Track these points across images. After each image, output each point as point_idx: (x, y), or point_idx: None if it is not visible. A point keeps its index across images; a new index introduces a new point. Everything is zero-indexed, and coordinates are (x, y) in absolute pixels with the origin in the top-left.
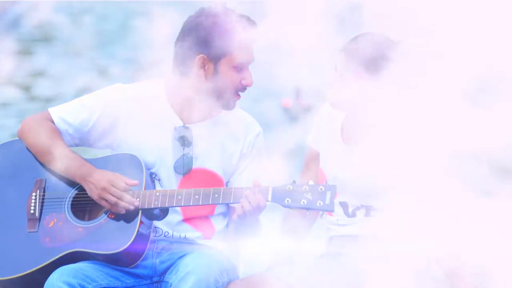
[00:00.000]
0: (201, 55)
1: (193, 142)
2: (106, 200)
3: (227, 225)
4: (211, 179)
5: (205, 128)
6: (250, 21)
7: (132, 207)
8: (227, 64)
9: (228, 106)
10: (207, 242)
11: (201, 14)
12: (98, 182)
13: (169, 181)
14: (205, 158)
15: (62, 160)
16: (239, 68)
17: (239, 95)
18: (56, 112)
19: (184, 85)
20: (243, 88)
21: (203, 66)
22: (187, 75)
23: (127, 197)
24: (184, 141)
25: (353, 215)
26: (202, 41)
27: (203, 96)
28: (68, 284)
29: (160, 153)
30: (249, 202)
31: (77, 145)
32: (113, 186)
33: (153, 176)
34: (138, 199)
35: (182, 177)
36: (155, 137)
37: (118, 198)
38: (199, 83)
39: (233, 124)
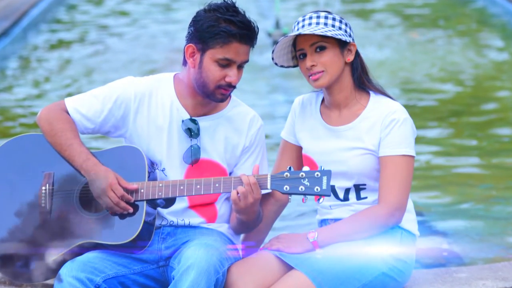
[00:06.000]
0: (190, 44)
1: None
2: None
3: (230, 208)
4: (215, 170)
5: (210, 122)
6: (250, 25)
7: (125, 212)
8: (211, 56)
9: (214, 99)
10: (209, 226)
11: (205, 7)
12: (99, 183)
13: (176, 171)
14: (210, 150)
15: (69, 152)
16: (222, 64)
17: (224, 90)
18: (71, 103)
19: (182, 76)
20: (227, 85)
21: (191, 55)
22: (184, 66)
23: (123, 204)
24: (191, 133)
25: (346, 199)
26: (194, 31)
27: (193, 87)
28: (77, 278)
29: (168, 144)
30: (248, 178)
31: (91, 134)
32: (112, 190)
33: (156, 166)
34: (142, 190)
35: (188, 167)
36: (163, 129)
37: (115, 204)
38: (188, 73)
39: (237, 118)
